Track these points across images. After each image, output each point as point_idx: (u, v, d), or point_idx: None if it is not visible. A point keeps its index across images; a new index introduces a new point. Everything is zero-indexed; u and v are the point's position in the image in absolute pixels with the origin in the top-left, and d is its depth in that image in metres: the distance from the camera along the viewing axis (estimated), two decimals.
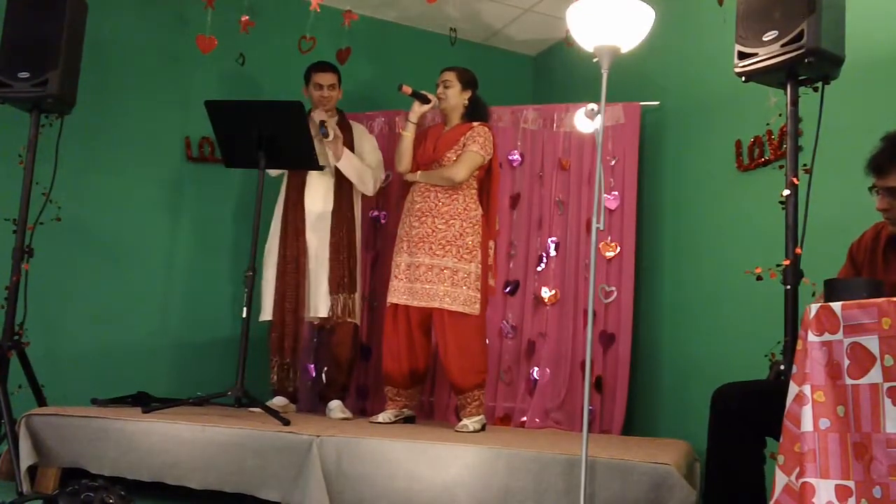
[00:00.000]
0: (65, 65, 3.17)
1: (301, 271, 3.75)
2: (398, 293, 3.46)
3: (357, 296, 3.85)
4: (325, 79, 3.87)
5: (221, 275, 4.42)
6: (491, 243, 3.57)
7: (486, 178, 3.59)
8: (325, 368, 4.00)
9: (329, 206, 3.83)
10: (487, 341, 4.13)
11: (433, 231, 3.42)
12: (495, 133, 3.65)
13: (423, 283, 3.39)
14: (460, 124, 3.56)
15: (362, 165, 3.86)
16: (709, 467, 2.39)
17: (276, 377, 3.80)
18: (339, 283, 3.76)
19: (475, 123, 3.52)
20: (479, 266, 3.44)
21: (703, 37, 3.77)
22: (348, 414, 3.72)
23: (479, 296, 3.41)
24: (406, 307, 3.45)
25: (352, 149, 3.86)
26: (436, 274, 3.37)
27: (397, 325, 3.49)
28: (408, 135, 3.60)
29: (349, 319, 3.80)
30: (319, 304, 3.76)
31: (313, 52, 4.17)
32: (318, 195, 3.84)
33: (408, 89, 3.55)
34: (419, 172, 3.54)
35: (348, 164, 3.78)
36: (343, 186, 3.85)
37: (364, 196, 4.00)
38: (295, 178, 3.84)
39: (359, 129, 4.03)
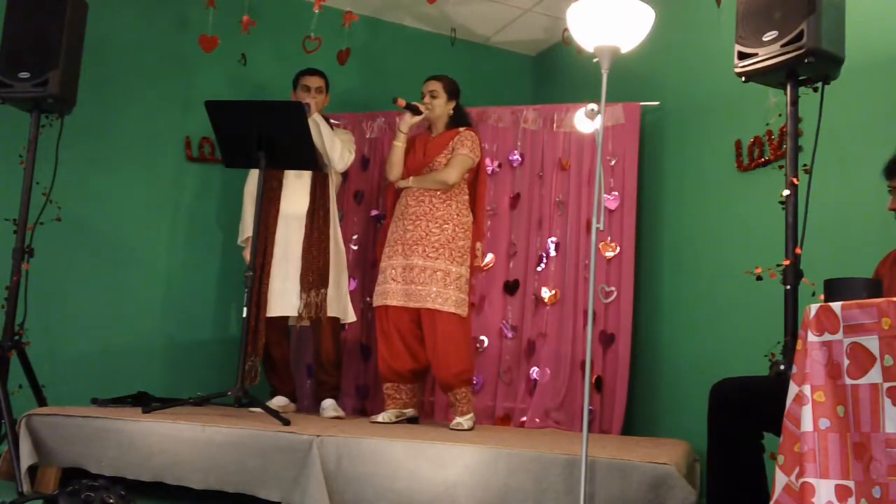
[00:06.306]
0: (65, 65, 3.16)
1: (266, 271, 3.74)
2: (395, 296, 3.53)
3: (329, 291, 3.76)
4: (312, 81, 3.92)
5: (222, 274, 4.42)
6: (478, 244, 3.73)
7: (475, 181, 3.73)
8: (315, 369, 3.99)
9: (304, 207, 3.82)
10: (487, 341, 4.17)
11: (427, 234, 3.52)
12: (481, 136, 3.80)
13: (416, 285, 3.49)
14: (447, 131, 3.69)
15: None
16: (709, 462, 2.40)
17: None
18: (309, 281, 3.74)
19: (461, 129, 3.66)
20: (468, 269, 3.59)
21: (703, 37, 3.77)
22: (341, 412, 3.72)
23: (466, 298, 3.55)
24: (398, 308, 3.54)
25: None
26: (428, 275, 3.48)
27: (390, 325, 3.56)
28: (400, 145, 3.68)
29: (320, 315, 3.73)
30: (280, 302, 3.73)
31: (313, 52, 4.18)
32: (293, 197, 3.84)
33: (402, 102, 3.65)
34: (412, 178, 3.64)
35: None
36: (319, 188, 3.86)
37: (363, 197, 3.98)
38: (271, 182, 3.80)
39: (338, 131, 4.04)
